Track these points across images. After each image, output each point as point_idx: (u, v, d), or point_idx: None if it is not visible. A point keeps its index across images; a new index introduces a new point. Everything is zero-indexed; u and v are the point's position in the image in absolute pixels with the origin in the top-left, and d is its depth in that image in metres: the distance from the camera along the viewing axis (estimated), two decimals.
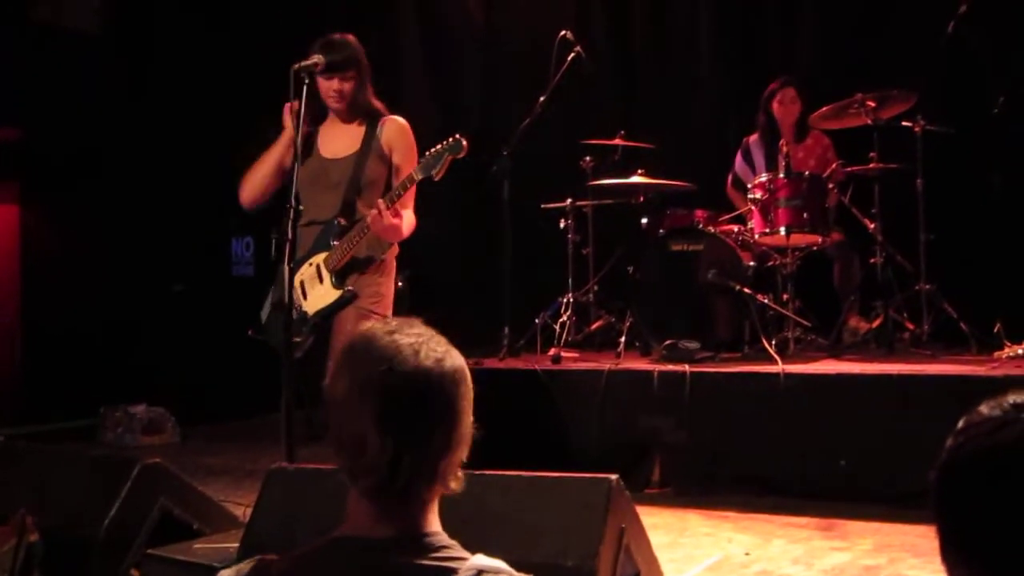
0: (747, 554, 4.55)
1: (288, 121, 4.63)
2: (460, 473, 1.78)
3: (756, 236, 6.54)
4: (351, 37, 4.69)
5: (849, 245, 6.95)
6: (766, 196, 6.43)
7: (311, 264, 4.59)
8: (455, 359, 1.78)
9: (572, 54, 6.88)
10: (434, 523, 1.76)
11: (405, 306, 7.12)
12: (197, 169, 9.27)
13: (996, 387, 1.25)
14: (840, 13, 7.93)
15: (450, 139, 4.46)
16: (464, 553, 1.73)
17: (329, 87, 4.61)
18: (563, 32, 6.93)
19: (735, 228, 6.86)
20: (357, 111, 4.70)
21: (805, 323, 6.65)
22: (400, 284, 5.66)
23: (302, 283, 4.58)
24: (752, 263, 6.56)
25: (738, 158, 7.55)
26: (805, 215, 6.36)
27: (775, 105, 7.28)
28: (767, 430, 5.59)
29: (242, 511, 4.39)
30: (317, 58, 4.42)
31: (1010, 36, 6.85)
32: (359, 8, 8.95)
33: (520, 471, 3.23)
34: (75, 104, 8.95)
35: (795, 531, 4.91)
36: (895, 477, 5.16)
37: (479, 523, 2.96)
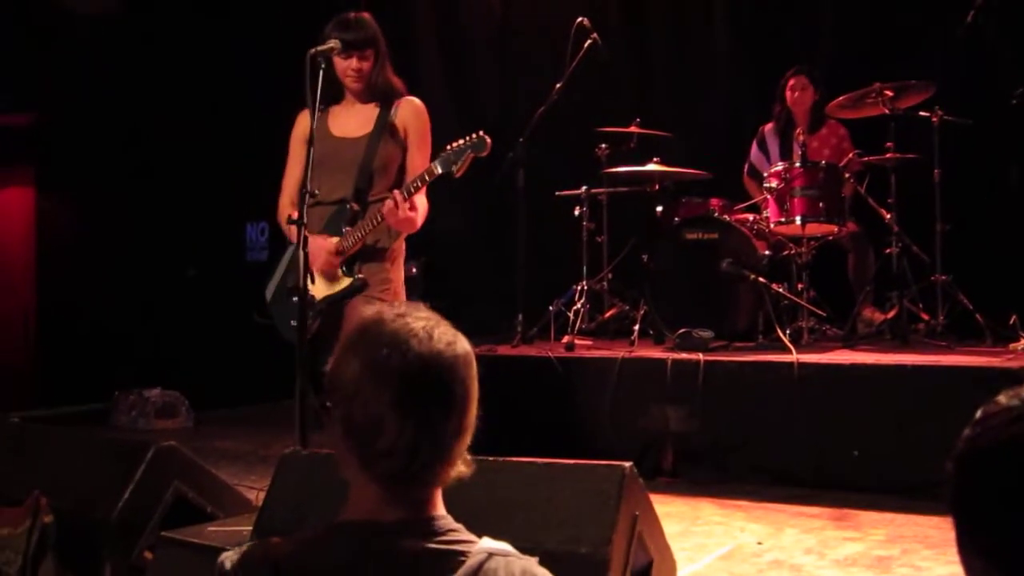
0: (759, 543, 4.54)
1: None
2: (468, 457, 1.77)
3: (771, 225, 6.53)
4: (367, 15, 4.58)
5: (864, 235, 6.93)
6: (782, 185, 6.42)
7: None
8: (464, 343, 1.77)
9: (588, 41, 6.86)
10: (440, 506, 1.75)
11: (418, 293, 7.14)
12: (212, 154, 9.29)
13: (1012, 379, 1.25)
14: (858, 2, 7.89)
15: (473, 135, 4.35)
16: (471, 536, 1.73)
17: (347, 66, 4.49)
18: (580, 19, 6.91)
19: (750, 217, 6.85)
20: (374, 91, 4.58)
21: (820, 313, 6.64)
22: (414, 271, 5.67)
23: (310, 267, 4.51)
24: (767, 252, 6.55)
25: (753, 147, 7.54)
26: (821, 205, 6.35)
27: (788, 93, 7.27)
28: (780, 420, 5.58)
29: (255, 495, 4.41)
30: (334, 42, 4.32)
31: None
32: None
33: (533, 458, 3.23)
34: (91, 89, 8.97)
35: (808, 521, 4.90)
36: (908, 468, 5.15)
37: (492, 509, 2.96)
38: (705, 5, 8.57)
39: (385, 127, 4.56)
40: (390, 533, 1.69)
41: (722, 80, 8.46)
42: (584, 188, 7.41)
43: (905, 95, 6.53)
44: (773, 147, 7.40)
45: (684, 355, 5.95)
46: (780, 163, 6.70)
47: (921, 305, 6.62)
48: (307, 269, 4.06)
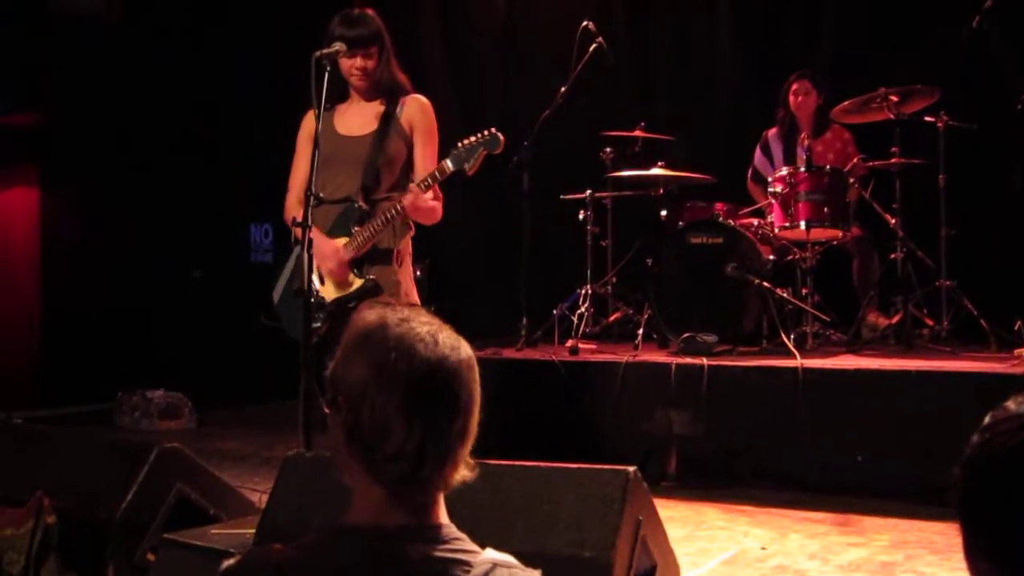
0: (763, 548, 4.54)
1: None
2: (470, 460, 1.75)
3: (776, 230, 6.52)
4: (371, 11, 4.53)
5: (869, 240, 6.92)
6: (786, 190, 6.41)
7: None
8: (467, 348, 1.75)
9: (593, 45, 6.87)
10: (442, 514, 1.74)
11: (423, 295, 7.13)
12: (216, 155, 9.30)
13: (1016, 385, 1.24)
14: (863, 7, 7.89)
15: (486, 132, 4.32)
16: (475, 546, 1.72)
17: (352, 65, 4.44)
18: (585, 23, 6.91)
19: (755, 221, 6.84)
20: (380, 88, 4.54)
21: (824, 318, 6.64)
22: (419, 273, 5.66)
23: (318, 268, 4.45)
24: (771, 257, 6.55)
25: (757, 152, 7.53)
26: (825, 209, 6.34)
27: (791, 97, 7.27)
28: (784, 424, 5.57)
29: (258, 497, 4.40)
30: (339, 45, 4.28)
31: None
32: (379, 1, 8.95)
33: (537, 461, 3.23)
34: (95, 89, 8.97)
35: (812, 526, 4.89)
36: (912, 473, 5.15)
37: (496, 513, 2.96)
38: (709, 9, 8.56)
39: (391, 124, 4.51)
40: (394, 538, 1.68)
41: (726, 84, 8.46)
42: (588, 192, 7.40)
43: (910, 100, 6.53)
44: (777, 152, 7.39)
45: (688, 359, 5.95)
46: (784, 168, 6.69)
47: (925, 310, 6.61)
48: (311, 271, 4.04)
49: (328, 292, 4.45)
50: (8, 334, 9.06)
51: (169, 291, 9.32)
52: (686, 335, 6.20)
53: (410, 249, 4.63)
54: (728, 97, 8.44)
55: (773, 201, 6.50)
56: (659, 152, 7.32)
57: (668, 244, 6.77)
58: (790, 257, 6.68)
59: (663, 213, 7.23)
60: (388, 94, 4.56)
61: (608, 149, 7.53)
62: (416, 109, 4.56)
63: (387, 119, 4.52)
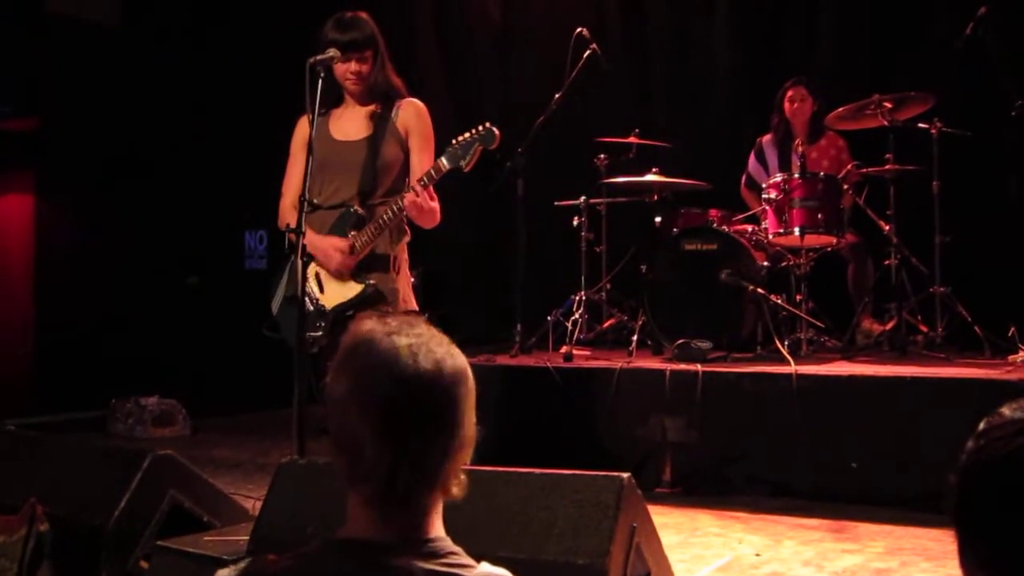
0: (758, 555, 4.53)
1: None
2: (463, 478, 1.74)
3: (770, 236, 6.53)
4: (364, 14, 4.48)
5: (863, 247, 6.93)
6: (781, 196, 6.42)
7: None
8: (456, 359, 1.72)
9: (588, 51, 6.87)
10: (438, 528, 1.72)
11: (417, 302, 7.12)
12: (211, 162, 9.30)
13: (1010, 391, 1.24)
14: (858, 14, 7.90)
15: (481, 128, 4.28)
16: (470, 560, 1.71)
17: (346, 69, 4.40)
18: (579, 29, 6.91)
19: (749, 228, 6.85)
20: (375, 92, 4.49)
21: (818, 324, 6.63)
22: (413, 280, 5.64)
23: (317, 275, 4.42)
24: (766, 263, 6.55)
25: (751, 158, 7.54)
26: (820, 216, 6.35)
27: (786, 104, 7.28)
28: (779, 431, 5.57)
29: (252, 504, 4.40)
30: (334, 51, 4.24)
31: None
32: (374, 5, 8.95)
33: (531, 468, 3.22)
34: (91, 95, 8.97)
35: (806, 533, 4.89)
36: (907, 480, 5.15)
37: (490, 520, 2.95)
38: (705, 16, 8.57)
39: (386, 128, 4.47)
40: (387, 553, 1.66)
41: (721, 91, 8.47)
42: (583, 198, 7.40)
43: (904, 107, 6.54)
44: (771, 158, 7.40)
45: (682, 366, 5.94)
46: (779, 174, 6.69)
47: (920, 317, 6.62)
48: (304, 276, 4.02)
49: (329, 300, 4.39)
50: (2, 340, 9.05)
51: (164, 298, 9.32)
52: (680, 341, 6.19)
53: (407, 255, 4.58)
54: (723, 103, 8.45)
55: (767, 207, 6.50)
56: (653, 158, 7.31)
57: (662, 250, 6.77)
58: (784, 263, 6.68)
59: (657, 219, 7.23)
60: (383, 98, 4.52)
61: (602, 155, 7.53)
62: (412, 113, 4.52)
63: (382, 123, 4.48)
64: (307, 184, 4.03)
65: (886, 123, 6.46)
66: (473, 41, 9.51)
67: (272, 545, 3.30)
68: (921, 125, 6.55)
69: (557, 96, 6.77)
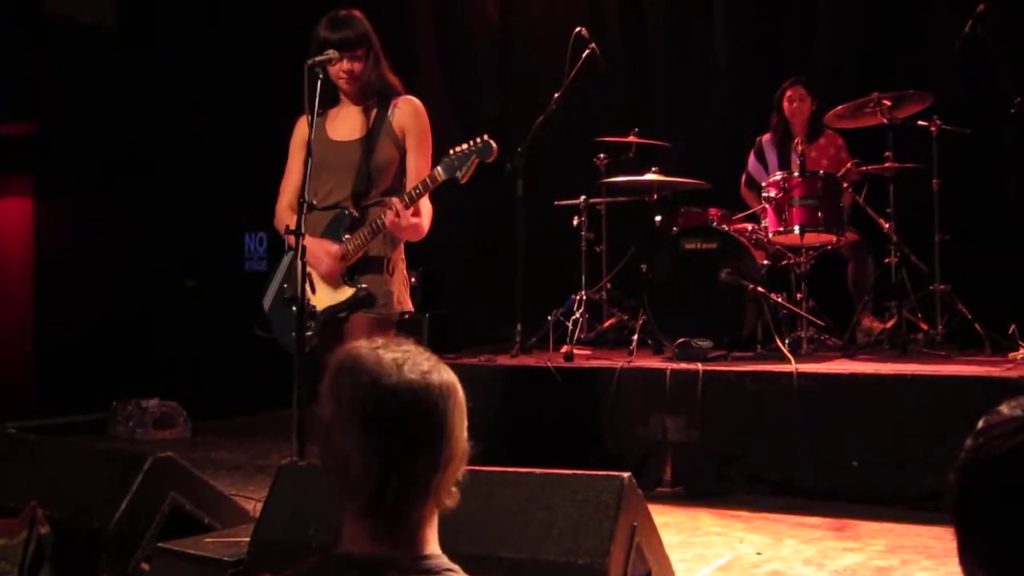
0: (759, 554, 4.53)
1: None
2: (455, 491, 1.73)
3: (770, 235, 6.53)
4: (358, 13, 4.45)
5: (863, 245, 6.93)
6: (780, 195, 6.42)
7: None
8: (443, 374, 1.72)
9: (587, 51, 6.86)
10: (433, 544, 1.71)
11: (416, 303, 7.14)
12: (210, 163, 9.29)
13: (1011, 389, 1.24)
14: (857, 12, 7.90)
15: (478, 140, 4.25)
16: None
17: (339, 69, 4.36)
18: (578, 29, 6.91)
19: (749, 227, 6.85)
20: (370, 91, 4.47)
21: (819, 323, 6.63)
22: (413, 280, 5.64)
23: (309, 276, 4.28)
24: (766, 262, 6.55)
25: (751, 157, 7.54)
26: (819, 214, 6.35)
27: (785, 103, 7.28)
28: (779, 430, 5.57)
29: (252, 506, 4.39)
30: (332, 52, 4.24)
31: None
32: (373, 5, 8.95)
33: (532, 468, 3.22)
34: (90, 98, 8.96)
35: (807, 531, 4.89)
36: (908, 478, 5.14)
37: (490, 520, 2.96)
38: (703, 15, 8.57)
39: (382, 128, 4.45)
40: (383, 567, 1.66)
41: (721, 90, 8.47)
42: (583, 198, 7.41)
43: (903, 104, 6.53)
44: (771, 157, 7.40)
45: (683, 365, 5.94)
46: (779, 173, 6.69)
47: (920, 315, 6.62)
48: (305, 278, 4.01)
49: (320, 301, 4.35)
50: (2, 344, 9.04)
51: (163, 300, 9.32)
52: (681, 340, 6.19)
53: (403, 256, 4.55)
54: (722, 103, 8.44)
55: (767, 206, 6.50)
56: (653, 158, 7.31)
57: (662, 250, 6.77)
58: (784, 262, 6.68)
59: (657, 219, 7.23)
60: (379, 97, 4.50)
61: (602, 155, 7.52)
62: (408, 112, 4.49)
63: (378, 123, 4.46)
64: (306, 185, 4.03)
65: (885, 121, 6.46)
66: (472, 41, 9.50)
67: (273, 547, 3.30)
68: (920, 123, 6.55)
69: (556, 95, 6.77)
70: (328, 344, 4.19)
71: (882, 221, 6.55)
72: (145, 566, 3.68)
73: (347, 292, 4.39)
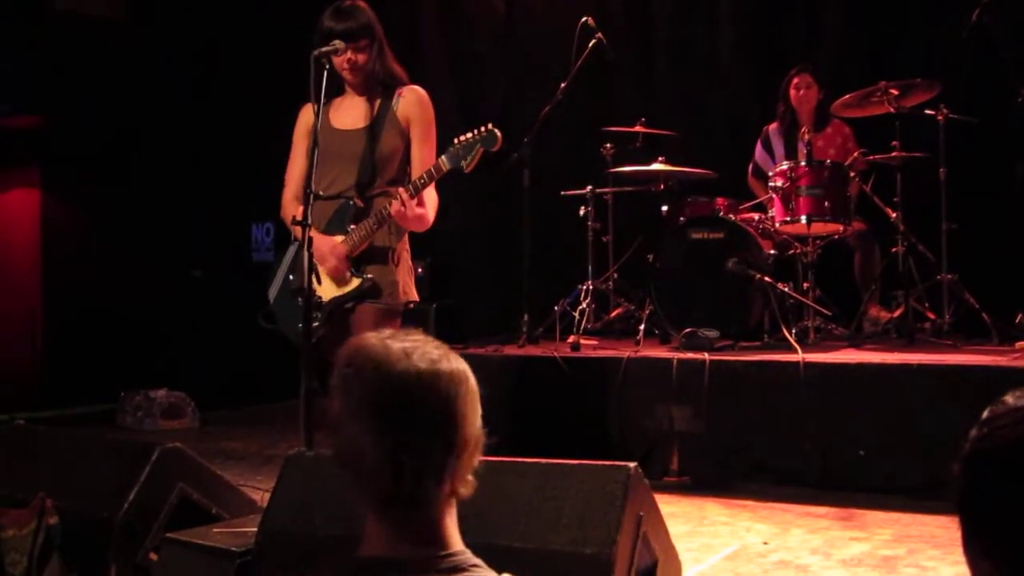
0: (765, 544, 4.54)
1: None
2: (471, 479, 1.73)
3: (777, 224, 6.52)
4: (362, 3, 4.43)
5: (870, 234, 6.91)
6: (787, 184, 6.40)
7: None
8: (453, 362, 1.72)
9: (593, 40, 6.86)
10: (456, 540, 1.71)
11: (424, 293, 7.16)
12: (218, 155, 9.30)
13: (1018, 378, 1.24)
14: (864, 1, 7.87)
15: (482, 128, 4.23)
16: (493, 573, 1.69)
17: (343, 60, 4.34)
18: (584, 18, 6.90)
19: (756, 216, 6.84)
20: (374, 81, 4.45)
21: (825, 312, 6.63)
22: (420, 271, 5.64)
23: (315, 267, 4.31)
24: (773, 252, 6.54)
25: (758, 147, 7.52)
26: (826, 203, 6.33)
27: (792, 92, 7.25)
28: (786, 419, 5.57)
29: (260, 496, 4.40)
30: (338, 43, 4.22)
31: None
32: None
33: (538, 458, 3.22)
34: (97, 91, 8.98)
35: (814, 521, 4.89)
36: (914, 468, 5.14)
37: (497, 510, 2.96)
38: (710, 4, 8.55)
39: (387, 118, 4.43)
40: (406, 569, 1.65)
41: (727, 79, 8.44)
42: (589, 188, 7.40)
43: (910, 93, 6.52)
44: (778, 147, 7.38)
45: (690, 355, 5.94)
46: (785, 162, 6.68)
47: (927, 304, 6.61)
48: (311, 269, 4.00)
49: (325, 292, 4.35)
50: (10, 335, 9.07)
51: (171, 291, 9.34)
52: (687, 330, 6.19)
53: (408, 246, 4.54)
54: (729, 92, 8.42)
55: (774, 196, 6.49)
56: (660, 148, 7.30)
57: (669, 239, 6.76)
58: (791, 252, 6.67)
59: (664, 209, 7.22)
60: (383, 86, 4.48)
61: (608, 145, 7.52)
62: (413, 101, 4.47)
63: (383, 112, 4.44)
64: (311, 175, 4.02)
65: (892, 110, 6.45)
66: (477, 30, 9.48)
67: (281, 537, 3.31)
68: (927, 112, 6.54)
69: (563, 85, 6.76)
70: (334, 335, 4.20)
71: (889, 210, 6.54)
72: (153, 556, 3.69)
73: (353, 283, 4.38)
